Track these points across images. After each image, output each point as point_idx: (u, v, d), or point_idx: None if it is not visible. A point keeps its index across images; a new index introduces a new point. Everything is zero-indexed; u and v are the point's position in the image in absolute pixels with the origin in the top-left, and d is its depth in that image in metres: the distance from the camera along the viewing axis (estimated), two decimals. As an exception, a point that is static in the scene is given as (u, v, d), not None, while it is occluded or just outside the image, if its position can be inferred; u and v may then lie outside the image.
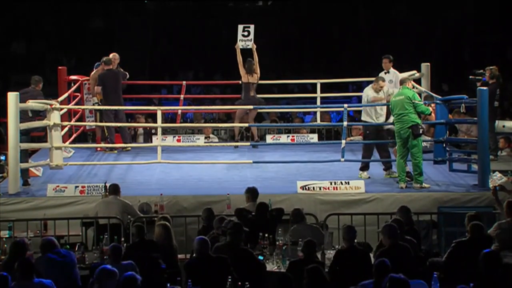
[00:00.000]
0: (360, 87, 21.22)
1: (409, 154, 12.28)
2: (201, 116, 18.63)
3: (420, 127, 12.13)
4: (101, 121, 14.79)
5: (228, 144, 15.71)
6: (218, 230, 9.81)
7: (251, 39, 15.00)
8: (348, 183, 12.12)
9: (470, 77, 14.05)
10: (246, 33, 14.96)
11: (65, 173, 13.23)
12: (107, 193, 11.38)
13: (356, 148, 14.99)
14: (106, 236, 10.02)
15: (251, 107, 14.77)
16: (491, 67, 13.92)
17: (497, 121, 14.05)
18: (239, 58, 15.11)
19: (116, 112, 14.70)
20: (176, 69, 26.01)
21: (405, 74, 14.33)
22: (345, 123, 13.28)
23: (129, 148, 15.01)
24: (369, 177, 12.91)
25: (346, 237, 8.94)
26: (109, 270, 7.66)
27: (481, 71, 13.98)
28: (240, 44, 15.03)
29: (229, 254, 8.60)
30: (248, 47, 15.05)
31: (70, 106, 14.78)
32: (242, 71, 15.14)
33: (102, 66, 15.13)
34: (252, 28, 14.97)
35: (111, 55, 15.21)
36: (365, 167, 13.08)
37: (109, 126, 14.66)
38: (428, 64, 15.64)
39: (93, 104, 15.05)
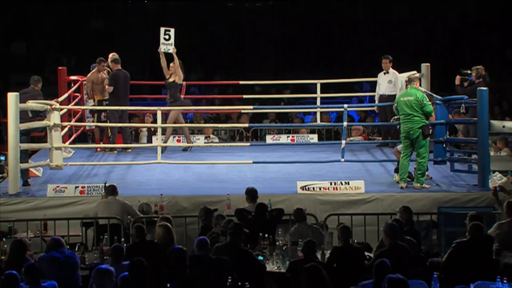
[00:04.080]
0: (362, 87, 21.29)
1: (413, 154, 12.27)
2: (201, 117, 18.62)
3: (429, 127, 12.13)
4: (100, 122, 14.80)
5: (229, 144, 15.70)
6: (216, 227, 9.82)
7: (172, 43, 14.59)
8: (348, 183, 12.11)
9: (457, 76, 14.10)
10: (167, 37, 14.57)
11: (65, 174, 13.23)
12: (106, 194, 11.38)
13: (356, 148, 15.02)
14: (106, 236, 10.02)
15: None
16: (477, 67, 13.99)
17: (496, 121, 14.05)
18: (164, 61, 14.79)
19: (121, 113, 14.70)
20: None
21: (404, 75, 14.32)
22: (345, 124, 13.28)
23: (129, 150, 15.00)
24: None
25: (341, 237, 9.05)
26: (104, 269, 7.68)
27: (468, 71, 14.03)
28: (162, 48, 14.65)
29: (229, 254, 8.60)
30: (169, 51, 14.64)
31: (70, 106, 14.77)
32: (167, 73, 14.87)
33: (97, 67, 15.08)
34: (172, 31, 14.57)
35: (110, 55, 15.20)
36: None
37: (110, 126, 14.67)
38: (428, 64, 15.63)
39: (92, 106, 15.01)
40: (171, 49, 14.60)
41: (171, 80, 14.76)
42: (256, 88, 21.89)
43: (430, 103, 12.25)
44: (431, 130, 12.27)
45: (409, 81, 12.50)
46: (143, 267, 7.69)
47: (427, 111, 12.10)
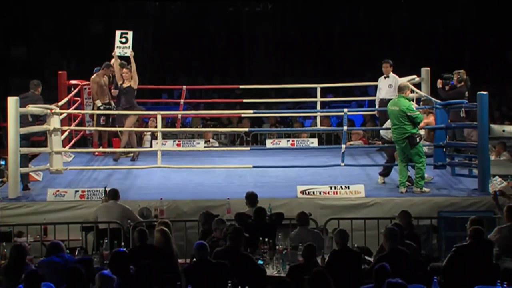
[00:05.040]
0: (366, 91, 21.28)
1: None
2: (199, 121, 18.62)
3: (416, 136, 12.12)
4: (98, 126, 14.78)
5: (229, 148, 15.69)
6: (216, 232, 9.82)
7: (129, 46, 14.21)
8: (348, 187, 12.11)
9: (439, 80, 14.18)
10: (124, 40, 14.20)
11: (65, 178, 13.22)
12: (107, 198, 11.38)
13: (356, 152, 15.02)
14: (106, 240, 10.00)
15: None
16: (459, 71, 14.05)
17: (496, 125, 14.06)
18: (117, 66, 14.46)
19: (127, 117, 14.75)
20: (176, 73, 26.04)
21: (405, 79, 14.32)
22: (345, 128, 13.28)
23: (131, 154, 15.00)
24: (384, 182, 12.91)
25: (339, 241, 9.03)
26: (106, 275, 7.67)
27: (450, 75, 14.10)
28: (117, 51, 14.28)
29: (229, 258, 8.60)
30: (126, 54, 14.29)
31: (70, 110, 14.75)
32: (119, 78, 14.52)
33: (105, 71, 15.04)
34: (130, 34, 14.22)
35: (112, 60, 15.20)
36: (385, 174, 13.02)
37: (113, 130, 14.72)
38: (428, 68, 15.65)
39: (98, 107, 14.92)
40: (128, 52, 14.21)
41: (126, 85, 14.43)
42: (237, 91, 21.93)
43: (417, 112, 12.23)
44: (419, 138, 12.25)
45: (399, 89, 12.47)
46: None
47: (416, 122, 12.13)
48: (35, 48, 26.22)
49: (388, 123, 12.89)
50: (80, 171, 13.78)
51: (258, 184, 12.79)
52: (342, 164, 13.05)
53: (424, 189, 12.21)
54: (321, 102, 16.55)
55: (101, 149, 15.07)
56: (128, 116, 14.27)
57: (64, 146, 13.66)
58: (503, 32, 25.25)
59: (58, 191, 12.06)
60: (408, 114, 12.02)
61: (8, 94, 12.68)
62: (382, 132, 13.32)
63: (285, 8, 27.82)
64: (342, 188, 12.10)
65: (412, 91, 14.19)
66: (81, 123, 15.52)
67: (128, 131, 14.38)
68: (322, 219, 11.29)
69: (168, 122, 18.03)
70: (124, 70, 14.43)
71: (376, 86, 15.34)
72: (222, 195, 11.98)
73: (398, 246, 8.80)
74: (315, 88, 16.62)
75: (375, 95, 15.39)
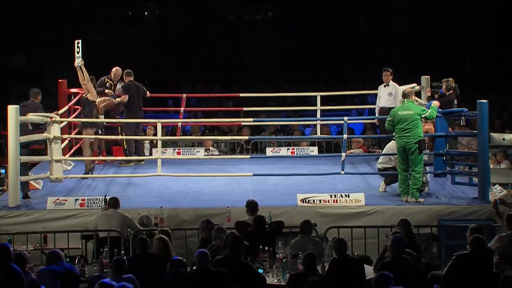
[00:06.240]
0: (364, 99, 21.33)
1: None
2: (198, 129, 18.62)
3: (426, 142, 12.16)
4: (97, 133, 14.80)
5: (229, 157, 15.69)
6: (216, 240, 9.81)
7: (80, 56, 13.86)
8: (348, 196, 12.10)
9: (428, 89, 14.22)
10: (78, 50, 13.85)
11: (65, 186, 13.22)
12: (107, 206, 11.38)
13: (356, 160, 15.02)
14: (106, 249, 10.00)
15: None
16: (447, 79, 14.13)
17: (496, 134, 14.08)
18: (81, 76, 14.10)
19: (137, 124, 14.75)
20: (176, 81, 26.07)
21: (405, 87, 14.33)
22: (345, 136, 13.28)
23: (143, 162, 14.98)
24: (385, 190, 12.91)
25: (338, 249, 9.03)
26: (107, 284, 7.65)
27: (438, 83, 14.14)
28: (76, 62, 13.95)
29: (229, 267, 8.59)
30: (79, 64, 13.96)
31: (70, 119, 14.77)
32: (85, 89, 14.31)
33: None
34: (80, 43, 13.82)
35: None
36: (389, 182, 13.01)
37: (116, 139, 14.72)
38: (428, 77, 15.65)
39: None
40: (80, 62, 13.94)
41: (85, 96, 14.34)
42: (230, 102, 21.91)
43: (427, 110, 12.31)
44: (427, 145, 12.28)
45: (405, 95, 12.47)
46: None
47: (432, 118, 12.29)
48: (35, 57, 26.25)
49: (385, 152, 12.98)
50: (80, 179, 13.78)
51: (258, 192, 12.78)
52: (342, 172, 13.05)
53: (419, 199, 12.18)
54: (321, 110, 16.52)
55: (101, 158, 15.09)
56: (86, 129, 14.11)
57: (64, 154, 13.66)
58: (502, 41, 25.29)
59: (58, 199, 12.05)
60: (423, 115, 12.06)
61: (8, 102, 12.69)
62: (379, 166, 13.27)
63: (285, 16, 27.88)
64: (342, 197, 12.09)
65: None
66: (81, 132, 15.49)
67: (86, 145, 14.29)
68: (322, 227, 11.27)
69: (168, 130, 18.02)
70: (84, 82, 14.26)
71: (376, 94, 15.36)
72: (222, 203, 11.96)
73: (401, 255, 8.79)
74: (315, 96, 16.66)
75: (375, 103, 15.41)
